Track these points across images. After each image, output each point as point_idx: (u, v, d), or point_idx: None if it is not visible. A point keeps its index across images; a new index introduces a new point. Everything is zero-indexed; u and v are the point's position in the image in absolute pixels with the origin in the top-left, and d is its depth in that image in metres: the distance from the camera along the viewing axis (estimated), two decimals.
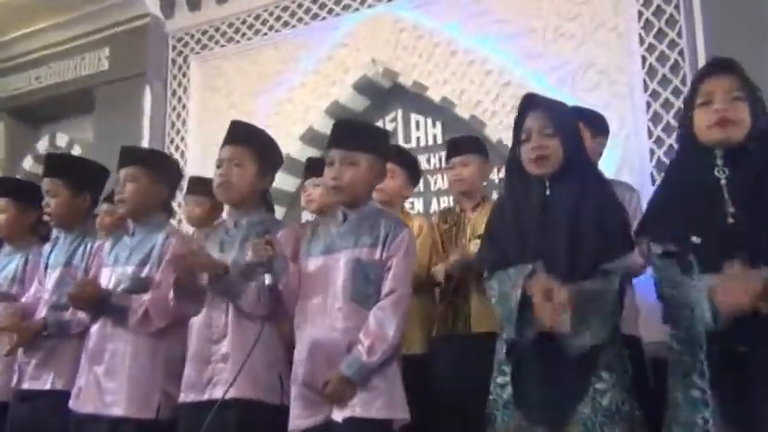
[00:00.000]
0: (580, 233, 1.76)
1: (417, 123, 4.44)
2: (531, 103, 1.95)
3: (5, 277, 2.83)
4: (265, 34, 4.84)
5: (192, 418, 2.10)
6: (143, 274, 2.35)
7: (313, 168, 3.01)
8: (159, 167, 2.51)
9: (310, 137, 4.56)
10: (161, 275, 2.32)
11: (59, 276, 2.59)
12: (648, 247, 1.72)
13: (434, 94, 4.14)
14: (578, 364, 1.70)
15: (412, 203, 4.29)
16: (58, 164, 2.71)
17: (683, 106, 1.81)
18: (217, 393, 2.06)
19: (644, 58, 3.59)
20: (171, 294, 2.17)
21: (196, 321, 2.18)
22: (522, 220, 1.86)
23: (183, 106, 5.13)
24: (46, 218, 2.69)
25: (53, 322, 2.47)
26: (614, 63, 3.66)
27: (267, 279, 1.98)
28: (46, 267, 2.67)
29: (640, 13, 3.63)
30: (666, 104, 3.51)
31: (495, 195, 4.05)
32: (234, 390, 2.02)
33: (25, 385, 2.51)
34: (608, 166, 3.57)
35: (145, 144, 5.03)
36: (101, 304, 2.29)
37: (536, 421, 1.71)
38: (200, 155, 4.89)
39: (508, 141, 3.86)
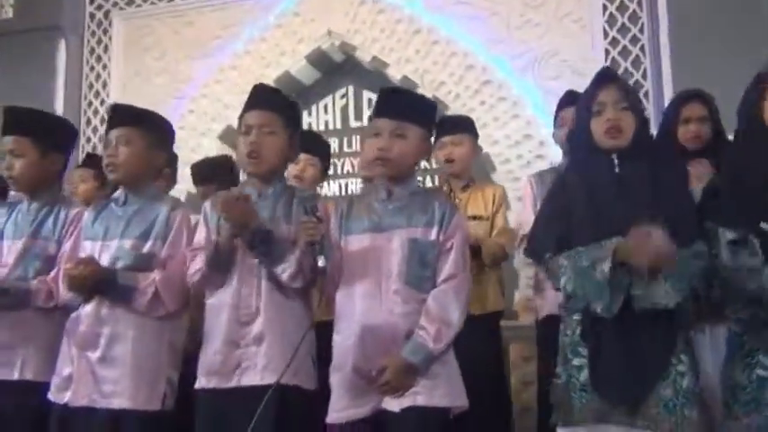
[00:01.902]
0: (661, 209, 1.76)
1: (370, 101, 4.32)
2: (604, 77, 1.93)
3: None
4: None
5: (215, 406, 1.91)
6: (144, 250, 2.07)
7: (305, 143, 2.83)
8: (157, 130, 2.22)
9: None
10: (168, 252, 2.07)
11: (23, 249, 2.22)
12: (716, 234, 1.75)
13: (395, 72, 4.05)
14: (659, 343, 1.71)
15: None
16: (23, 119, 2.32)
17: (745, 95, 1.85)
18: (247, 379, 1.89)
19: (607, 51, 3.72)
20: (196, 266, 1.95)
21: (219, 301, 1.97)
22: (595, 196, 1.83)
23: (104, 66, 4.66)
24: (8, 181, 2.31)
25: (13, 287, 2.13)
26: (578, 54, 3.76)
27: (320, 261, 1.82)
28: (1, 238, 2.29)
29: (605, 7, 3.75)
30: None
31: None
32: (271, 375, 1.85)
33: None
34: None
35: (59, 106, 4.54)
36: (103, 285, 2.00)
37: (615, 402, 1.71)
38: None
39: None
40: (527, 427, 3.11)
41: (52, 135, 2.33)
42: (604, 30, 3.74)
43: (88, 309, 2.04)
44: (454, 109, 3.90)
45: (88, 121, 4.64)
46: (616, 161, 1.87)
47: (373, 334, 1.85)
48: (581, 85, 3.65)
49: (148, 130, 2.18)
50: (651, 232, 1.65)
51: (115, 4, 4.69)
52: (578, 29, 3.79)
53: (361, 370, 1.84)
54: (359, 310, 1.88)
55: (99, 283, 1.99)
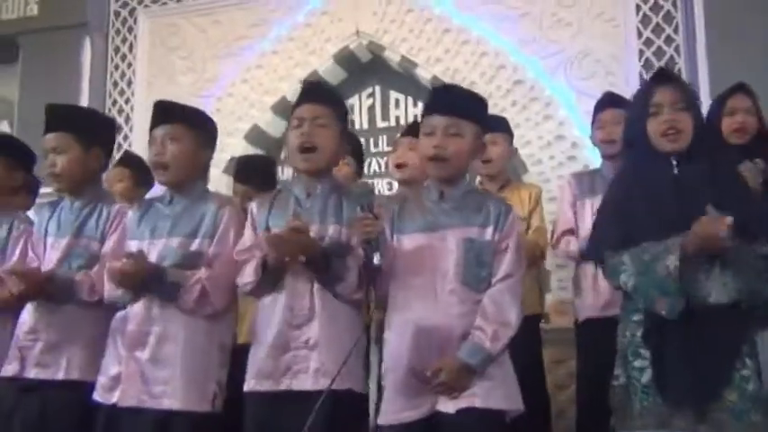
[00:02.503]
0: (723, 211, 1.73)
1: (397, 101, 4.29)
2: (661, 76, 1.90)
3: None
4: None
5: (265, 410, 1.88)
6: (192, 248, 2.05)
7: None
8: (204, 127, 2.20)
9: (283, 107, 4.27)
10: (215, 250, 2.04)
11: (67, 247, 2.20)
12: None
13: (424, 72, 4.01)
14: (724, 347, 1.68)
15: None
16: (65, 115, 2.29)
17: None
18: (299, 383, 1.86)
19: (641, 52, 3.68)
20: (246, 278, 1.92)
21: (271, 302, 1.94)
22: (654, 198, 1.80)
23: (129, 65, 4.64)
24: (48, 179, 2.28)
25: (61, 278, 2.11)
26: (611, 54, 3.73)
27: (376, 259, 1.79)
28: (45, 235, 2.27)
29: (638, 7, 3.71)
30: None
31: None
32: (324, 379, 1.82)
33: (29, 374, 2.11)
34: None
35: (83, 105, 4.51)
36: (153, 281, 1.97)
37: (680, 405, 1.67)
38: (147, 120, 4.41)
39: None
40: (562, 431, 3.07)
41: (94, 130, 2.32)
42: (638, 30, 3.69)
43: (137, 308, 2.02)
44: None
45: None
46: (674, 163, 1.84)
47: (429, 334, 1.82)
48: (614, 86, 3.68)
49: (196, 126, 2.16)
50: (719, 218, 1.62)
51: (140, 2, 4.67)
52: (611, 29, 3.75)
53: (416, 371, 1.81)
54: (414, 310, 1.85)
55: (147, 280, 1.96)
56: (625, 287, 1.78)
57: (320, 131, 1.98)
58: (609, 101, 2.91)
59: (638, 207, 1.83)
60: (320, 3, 4.24)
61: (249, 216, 2.07)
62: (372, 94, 4.36)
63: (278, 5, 4.34)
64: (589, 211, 2.77)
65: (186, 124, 2.13)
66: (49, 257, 2.22)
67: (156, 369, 1.96)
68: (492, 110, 3.82)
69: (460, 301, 1.83)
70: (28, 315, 2.16)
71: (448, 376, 1.76)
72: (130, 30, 4.67)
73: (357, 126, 4.37)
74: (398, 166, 2.78)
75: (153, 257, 2.04)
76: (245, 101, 4.28)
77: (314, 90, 2.08)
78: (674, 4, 3.66)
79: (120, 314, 2.06)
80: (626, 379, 1.79)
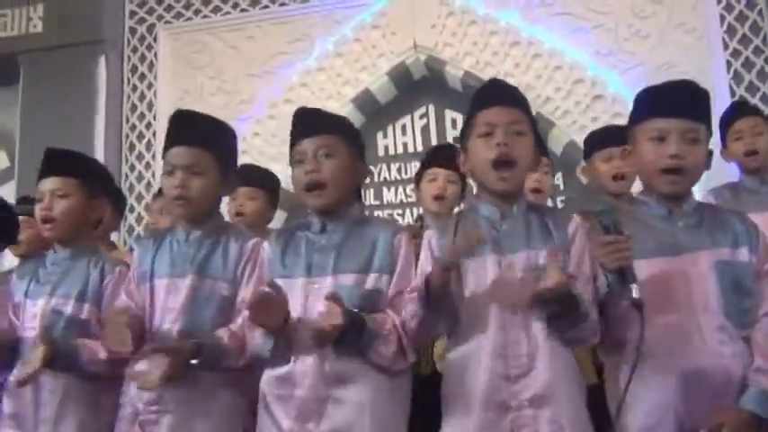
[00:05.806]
0: None
1: (454, 121, 3.95)
2: None
3: (65, 295, 1.90)
4: (266, 7, 4.10)
5: None
6: (368, 285, 1.63)
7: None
8: (356, 136, 1.82)
9: None
10: (397, 287, 1.62)
11: (190, 291, 1.73)
12: None
13: None
14: None
15: None
16: (204, 129, 1.83)
17: None
18: None
19: (729, 63, 3.47)
20: (410, 311, 1.53)
21: (469, 351, 1.54)
22: None
23: (149, 86, 4.18)
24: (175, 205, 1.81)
25: (211, 346, 1.65)
26: (695, 66, 3.51)
27: (635, 291, 1.44)
28: (152, 277, 1.82)
29: (722, 17, 3.52)
30: None
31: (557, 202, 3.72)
32: None
33: None
34: None
35: (99, 132, 4.02)
36: (354, 327, 1.52)
37: None
38: None
39: (582, 143, 3.58)
40: None
41: (234, 151, 1.91)
42: (723, 41, 3.50)
43: (303, 366, 1.57)
44: (563, 126, 3.59)
45: (131, 147, 4.14)
46: None
47: (699, 383, 1.48)
48: None
49: (348, 136, 1.77)
50: None
51: (160, 18, 4.23)
52: (693, 40, 3.54)
53: (686, 428, 1.45)
54: (674, 354, 1.49)
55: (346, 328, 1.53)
56: None
57: (519, 141, 1.62)
58: (743, 109, 2.69)
59: None
60: (370, 16, 3.90)
61: (426, 242, 1.68)
62: (426, 114, 4.02)
63: (320, 19, 3.98)
64: None
65: (338, 134, 1.74)
66: (166, 303, 1.75)
67: None
68: (572, 126, 3.58)
69: (730, 338, 1.51)
70: None
71: None
72: (149, 48, 4.22)
73: (410, 148, 4.02)
74: (534, 191, 2.39)
75: (315, 300, 1.62)
76: (289, 123, 3.85)
77: (505, 91, 1.70)
78: (761, 14, 3.48)
79: (276, 375, 1.62)
80: None
